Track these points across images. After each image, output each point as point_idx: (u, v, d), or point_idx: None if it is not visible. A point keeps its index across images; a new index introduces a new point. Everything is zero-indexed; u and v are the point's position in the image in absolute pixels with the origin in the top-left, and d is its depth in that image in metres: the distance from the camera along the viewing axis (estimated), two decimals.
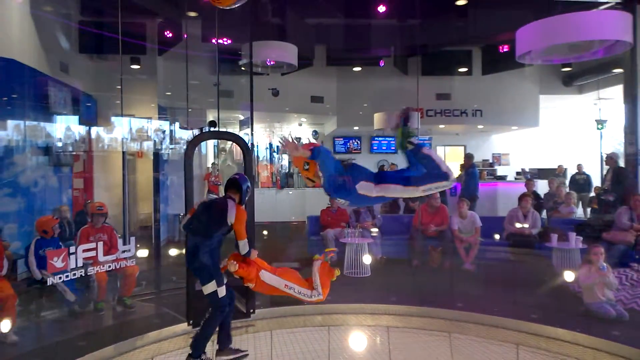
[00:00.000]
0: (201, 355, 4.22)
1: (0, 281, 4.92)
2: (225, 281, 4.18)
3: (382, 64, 12.15)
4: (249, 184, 4.42)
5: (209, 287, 4.09)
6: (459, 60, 12.41)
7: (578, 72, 13.12)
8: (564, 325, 5.11)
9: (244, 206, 4.31)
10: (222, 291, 4.11)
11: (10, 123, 6.59)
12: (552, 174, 11.81)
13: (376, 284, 6.80)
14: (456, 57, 12.37)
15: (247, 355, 4.46)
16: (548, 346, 4.94)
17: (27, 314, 5.31)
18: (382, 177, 3.30)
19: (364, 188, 3.20)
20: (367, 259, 7.25)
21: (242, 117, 11.21)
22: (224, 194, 4.37)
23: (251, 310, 5.44)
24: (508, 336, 5.16)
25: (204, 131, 5.44)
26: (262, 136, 13.86)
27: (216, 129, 5.54)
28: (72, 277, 4.89)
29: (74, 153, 8.04)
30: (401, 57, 12.13)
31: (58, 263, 4.67)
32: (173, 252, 7.27)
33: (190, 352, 4.17)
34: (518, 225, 7.72)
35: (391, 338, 5.36)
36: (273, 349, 5.22)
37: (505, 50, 10.82)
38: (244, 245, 4.19)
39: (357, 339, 5.43)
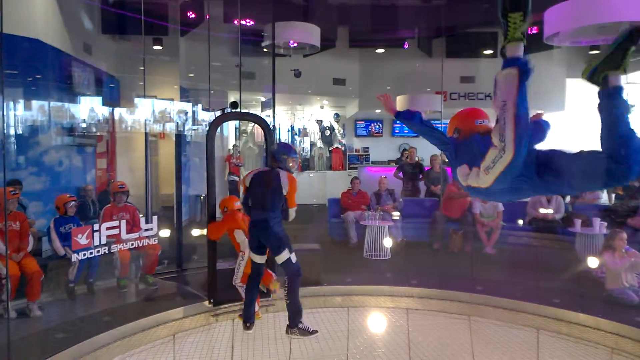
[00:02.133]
0: (298, 324, 4.37)
1: (26, 257, 5.05)
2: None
3: (406, 46, 11.92)
4: (286, 151, 4.46)
5: (283, 256, 4.26)
6: (484, 42, 12.09)
7: None
8: (585, 311, 5.02)
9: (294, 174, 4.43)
10: (294, 257, 4.31)
11: (35, 103, 6.70)
12: None
13: (396, 267, 6.78)
14: (482, 38, 12.05)
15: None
16: (569, 331, 4.87)
17: (52, 290, 5.45)
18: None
19: (461, 174, 2.49)
20: (387, 242, 7.23)
21: (263, 99, 11.18)
22: (269, 166, 4.46)
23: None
24: (528, 320, 5.10)
25: (225, 112, 5.42)
26: (284, 118, 13.83)
27: (238, 110, 5.53)
28: (96, 254, 5.00)
29: (98, 134, 8.15)
30: (425, 39, 11.89)
31: (82, 240, 4.77)
32: (195, 232, 7.35)
33: (288, 322, 4.38)
34: (542, 210, 7.57)
35: (410, 320, 5.35)
36: None
37: (534, 32, 10.50)
38: (292, 213, 4.37)
39: (376, 320, 5.44)
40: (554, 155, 2.18)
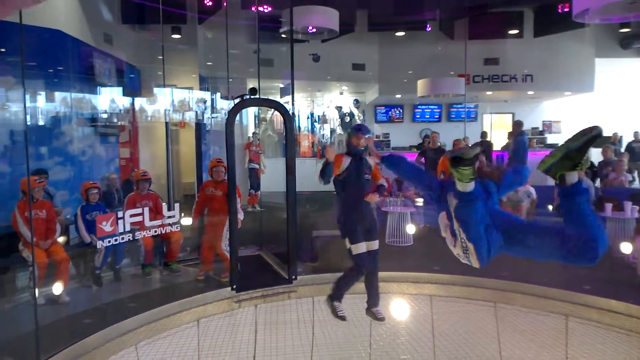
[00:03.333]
0: (334, 300, 4.43)
1: (54, 245, 5.14)
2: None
3: (429, 28, 11.65)
4: (357, 131, 4.45)
5: (376, 243, 4.43)
6: (509, 22, 11.76)
7: (637, 34, 12.22)
8: (617, 297, 4.86)
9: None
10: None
11: (58, 94, 6.77)
12: (606, 142, 11.17)
13: (419, 253, 6.69)
14: (507, 18, 11.72)
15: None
16: (599, 318, 4.72)
17: (79, 277, 5.55)
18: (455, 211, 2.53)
19: (441, 220, 2.75)
20: (410, 229, 7.14)
21: (282, 86, 11.12)
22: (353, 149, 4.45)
23: (293, 277, 5.50)
24: (557, 307, 4.96)
25: (244, 99, 5.39)
26: (303, 105, 13.76)
27: (257, 96, 5.48)
28: (121, 241, 5.06)
29: (120, 124, 8.22)
30: (447, 20, 11.61)
31: (107, 227, 4.82)
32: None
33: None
34: None
35: (434, 307, 5.28)
36: (315, 315, 5.26)
37: (564, 10, 10.14)
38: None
39: (399, 307, 5.38)
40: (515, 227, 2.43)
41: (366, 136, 4.37)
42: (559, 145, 2.03)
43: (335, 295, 4.45)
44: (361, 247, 4.30)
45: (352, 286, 4.45)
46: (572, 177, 2.02)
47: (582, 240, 2.05)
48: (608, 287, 5.17)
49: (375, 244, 4.41)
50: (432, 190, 2.86)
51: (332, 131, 13.90)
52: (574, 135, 1.98)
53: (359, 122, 13.96)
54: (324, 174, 4.33)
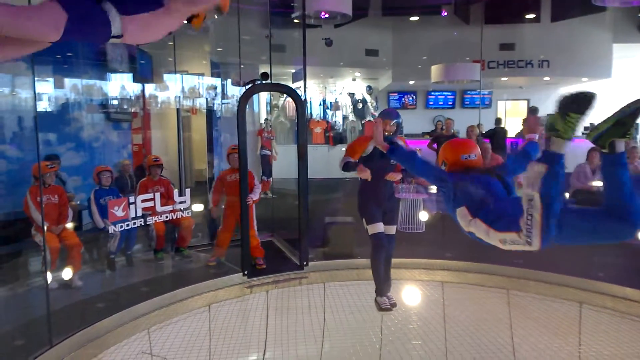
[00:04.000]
0: (377, 296, 4.36)
1: (66, 230, 5.19)
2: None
3: (444, 13, 11.42)
4: (384, 116, 4.32)
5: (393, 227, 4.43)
6: (526, 6, 11.49)
7: None
8: (632, 285, 4.77)
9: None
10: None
11: (70, 80, 6.79)
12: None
13: (431, 240, 6.64)
14: (524, 2, 11.45)
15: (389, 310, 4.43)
16: (614, 305, 4.65)
17: (92, 261, 5.61)
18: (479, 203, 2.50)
19: (461, 216, 2.59)
20: (423, 216, 7.08)
21: (294, 71, 11.04)
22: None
23: (304, 263, 5.50)
24: (570, 294, 4.89)
25: (256, 84, 5.35)
26: (316, 92, 13.67)
27: (268, 81, 5.44)
28: (133, 226, 5.09)
29: (132, 110, 8.24)
30: (463, 4, 11.38)
31: (119, 212, 4.85)
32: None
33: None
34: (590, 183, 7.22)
35: (446, 293, 5.24)
36: (327, 300, 5.26)
37: None
38: None
39: (411, 293, 5.35)
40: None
41: (392, 122, 4.21)
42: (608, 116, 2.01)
43: (377, 290, 4.36)
44: (378, 227, 4.22)
45: (384, 269, 4.32)
46: (621, 145, 2.01)
47: (624, 210, 2.01)
48: (623, 274, 5.09)
49: (392, 229, 4.36)
50: (445, 182, 2.74)
51: (345, 118, 13.81)
52: (627, 104, 1.98)
53: (371, 108, 13.85)
54: (346, 169, 4.29)
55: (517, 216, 2.25)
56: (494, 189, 2.62)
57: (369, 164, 4.21)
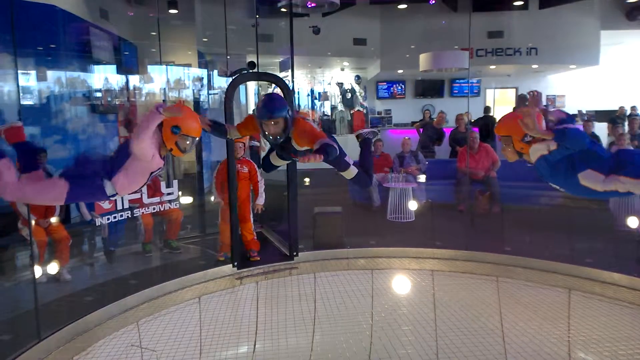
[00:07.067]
0: None
1: (54, 223, 5.10)
2: None
3: (432, 1, 11.34)
4: None
5: None
6: None
7: None
8: (620, 270, 4.82)
9: None
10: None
11: (54, 71, 6.66)
12: (611, 116, 11.00)
13: (420, 229, 6.66)
14: None
15: None
16: (603, 291, 4.70)
17: (80, 254, 5.54)
18: (620, 162, 2.58)
19: (589, 178, 2.58)
20: (412, 205, 7.09)
21: (281, 59, 10.94)
22: None
23: (294, 253, 5.48)
24: (560, 280, 4.94)
25: (243, 73, 5.28)
26: (303, 82, 13.59)
27: (255, 70, 5.38)
28: (120, 218, 5.03)
29: (118, 102, 8.12)
30: None
31: (105, 204, 4.79)
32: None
33: None
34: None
35: (436, 281, 5.26)
36: (317, 290, 5.26)
37: None
38: None
39: (401, 282, 5.37)
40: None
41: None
42: None
43: None
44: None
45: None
46: None
47: None
48: (611, 260, 5.14)
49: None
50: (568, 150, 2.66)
51: (334, 108, 13.76)
52: None
53: (360, 98, 13.80)
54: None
55: None
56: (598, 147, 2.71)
57: None
